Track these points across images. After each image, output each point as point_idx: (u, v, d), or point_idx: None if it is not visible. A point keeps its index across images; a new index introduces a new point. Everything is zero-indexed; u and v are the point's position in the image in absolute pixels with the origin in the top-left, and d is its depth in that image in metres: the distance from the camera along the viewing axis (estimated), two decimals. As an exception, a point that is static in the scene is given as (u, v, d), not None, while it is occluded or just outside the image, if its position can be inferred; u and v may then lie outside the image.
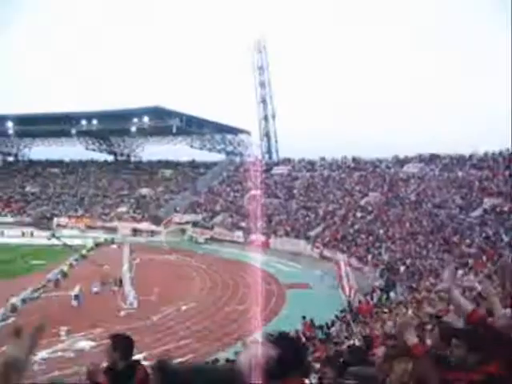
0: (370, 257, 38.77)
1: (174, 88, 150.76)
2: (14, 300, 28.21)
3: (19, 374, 1.65)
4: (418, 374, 2.98)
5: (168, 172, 74.65)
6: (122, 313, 27.83)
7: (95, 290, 32.04)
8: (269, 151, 73.15)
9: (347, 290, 31.26)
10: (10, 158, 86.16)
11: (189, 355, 20.01)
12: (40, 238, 55.55)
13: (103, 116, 69.60)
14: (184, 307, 28.79)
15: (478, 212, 41.86)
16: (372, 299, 28.76)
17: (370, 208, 49.43)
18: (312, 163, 65.04)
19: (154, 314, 27.07)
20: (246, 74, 71.11)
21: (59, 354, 20.51)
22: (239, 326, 23.80)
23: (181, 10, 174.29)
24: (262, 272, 34.78)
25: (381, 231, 43.61)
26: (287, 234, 49.58)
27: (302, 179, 61.86)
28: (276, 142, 73.50)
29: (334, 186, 57.53)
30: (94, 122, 70.60)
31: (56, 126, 71.46)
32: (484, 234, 36.60)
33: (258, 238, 48.44)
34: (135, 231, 59.94)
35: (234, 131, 73.43)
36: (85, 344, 21.84)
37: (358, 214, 48.84)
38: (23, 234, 58.38)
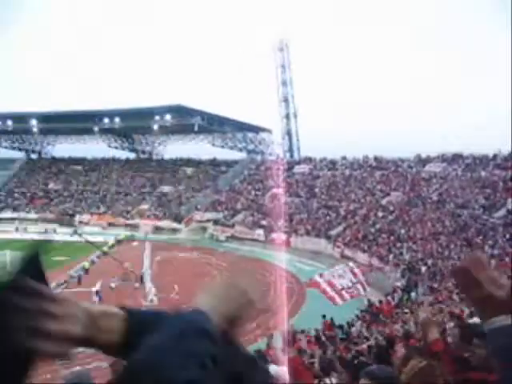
0: (391, 256, 38.54)
1: (196, 86, 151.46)
2: (37, 295, 28.66)
3: None
4: (425, 375, 2.97)
5: (189, 170, 74.94)
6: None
7: (113, 285, 32.43)
8: (290, 150, 73.12)
9: (338, 299, 29.70)
10: (34, 156, 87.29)
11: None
12: (63, 234, 56.21)
13: (126, 114, 70.13)
14: (204, 305, 28.87)
15: (501, 212, 41.38)
16: (393, 299, 28.61)
17: (391, 207, 49.13)
18: (333, 162, 64.80)
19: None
20: (268, 73, 71.22)
21: (81, 349, 20.67)
22: (259, 325, 23.82)
23: (204, 7, 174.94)
24: (283, 271, 34.71)
25: (402, 231, 43.33)
26: (308, 233, 49.48)
27: (323, 178, 61.68)
28: (297, 140, 73.52)
29: (355, 185, 57.27)
30: (117, 119, 71.13)
31: (79, 123, 72.26)
32: (508, 235, 36.18)
33: (278, 236, 48.37)
34: (157, 229, 60.32)
35: (256, 130, 73.45)
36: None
37: (380, 214, 48.58)
38: (46, 231, 59.28)
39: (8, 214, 67.73)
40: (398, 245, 40.83)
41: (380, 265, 37.78)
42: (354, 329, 21.05)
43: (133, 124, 71.59)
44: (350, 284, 29.72)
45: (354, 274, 30.09)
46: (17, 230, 60.83)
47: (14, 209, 69.73)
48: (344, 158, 64.87)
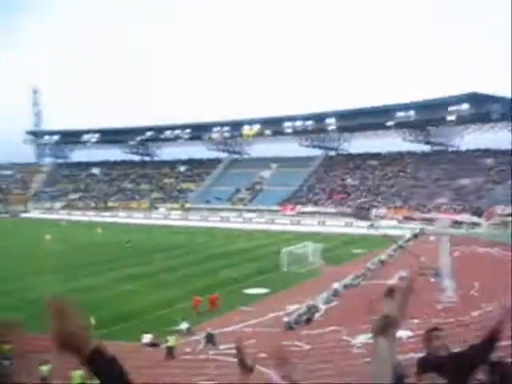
0: None
1: (492, 71, 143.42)
2: (337, 285, 30.71)
3: (392, 330, 1.96)
4: None
5: (489, 161, 71.20)
6: (440, 306, 27.72)
7: (403, 274, 32.64)
8: None
9: None
10: (332, 153, 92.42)
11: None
12: (359, 227, 58.61)
13: (419, 106, 70.09)
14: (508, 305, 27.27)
15: None
16: None
17: None
18: None
19: (473, 309, 26.26)
20: None
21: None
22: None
23: None
24: None
25: None
26: None
27: None
28: None
29: None
30: (411, 112, 71.37)
31: (374, 119, 74.36)
32: None
33: None
34: (455, 223, 58.72)
35: None
36: (403, 333, 22.44)
37: None
38: (345, 224, 62.72)
39: (310, 208, 73.57)
40: None
41: None
42: None
43: (427, 116, 71.11)
44: None
45: None
46: (318, 223, 65.64)
47: (315, 203, 75.17)
48: None
